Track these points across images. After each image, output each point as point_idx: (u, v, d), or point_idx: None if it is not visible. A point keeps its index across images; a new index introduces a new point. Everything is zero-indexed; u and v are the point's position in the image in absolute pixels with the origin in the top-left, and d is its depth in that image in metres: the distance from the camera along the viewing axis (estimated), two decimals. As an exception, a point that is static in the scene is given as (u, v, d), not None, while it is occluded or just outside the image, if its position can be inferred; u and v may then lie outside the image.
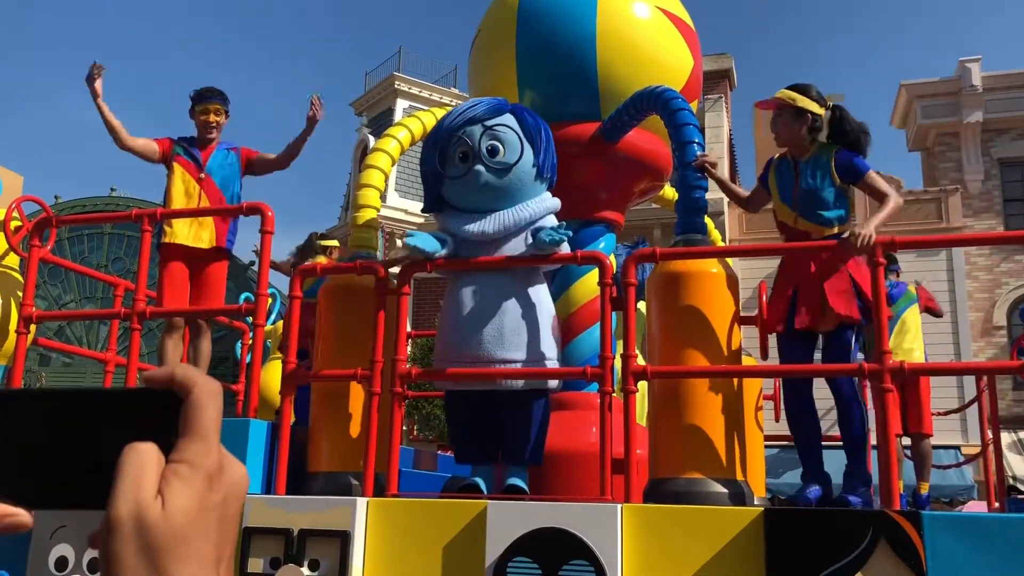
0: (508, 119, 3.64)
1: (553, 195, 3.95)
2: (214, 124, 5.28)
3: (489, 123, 3.59)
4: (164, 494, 0.54)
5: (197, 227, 5.10)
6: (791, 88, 4.22)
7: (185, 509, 0.53)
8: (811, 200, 4.02)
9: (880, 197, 3.99)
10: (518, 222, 3.55)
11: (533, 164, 3.63)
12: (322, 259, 6.45)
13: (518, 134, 3.62)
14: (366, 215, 3.99)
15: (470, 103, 3.73)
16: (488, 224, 3.54)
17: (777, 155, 4.33)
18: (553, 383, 3.64)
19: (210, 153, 5.25)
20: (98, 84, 5.18)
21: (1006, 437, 14.58)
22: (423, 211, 3.87)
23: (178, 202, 5.12)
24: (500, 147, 3.57)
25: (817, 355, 4.16)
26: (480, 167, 3.53)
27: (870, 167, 4.05)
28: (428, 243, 3.51)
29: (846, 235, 3.65)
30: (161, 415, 0.57)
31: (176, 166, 5.19)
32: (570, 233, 3.54)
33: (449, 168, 3.62)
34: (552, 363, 3.55)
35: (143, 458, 0.55)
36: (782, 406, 5.93)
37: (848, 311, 3.83)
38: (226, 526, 0.56)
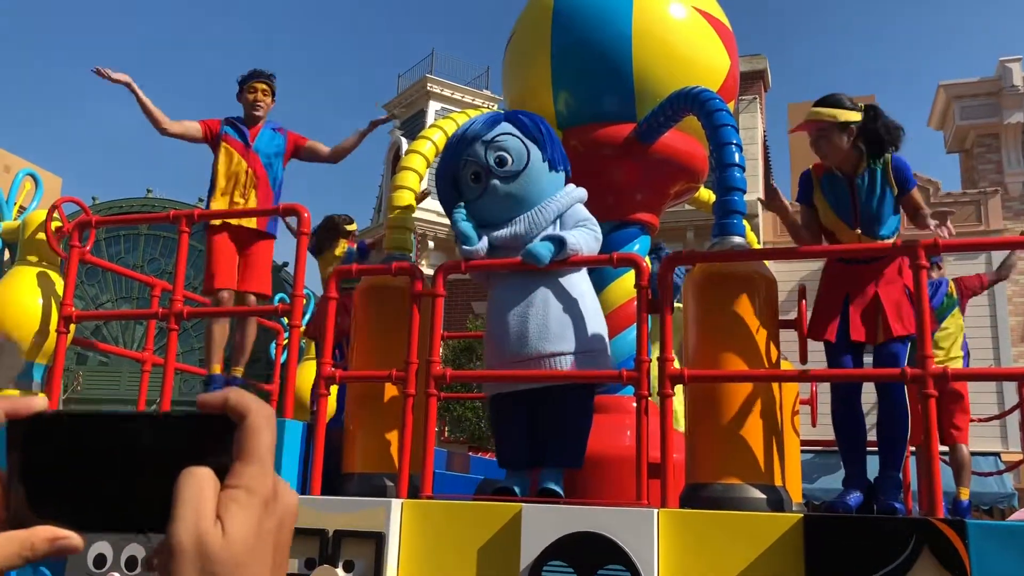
0: (505, 127, 3.71)
1: (588, 196, 3.94)
2: (261, 103, 5.41)
3: (487, 137, 3.66)
4: (223, 520, 0.54)
5: (242, 204, 5.22)
6: (823, 104, 4.08)
7: (244, 536, 0.54)
8: (875, 218, 3.97)
9: (915, 211, 3.98)
10: (548, 218, 3.61)
11: (543, 160, 3.70)
12: (344, 243, 6.44)
13: (519, 138, 3.68)
14: (401, 216, 3.99)
15: (464, 127, 3.79)
16: (519, 226, 3.61)
17: (814, 168, 4.23)
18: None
19: (257, 132, 5.37)
20: (119, 76, 5.27)
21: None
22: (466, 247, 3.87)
23: (223, 179, 5.27)
24: (507, 156, 3.64)
25: (867, 359, 4.11)
26: (495, 181, 3.62)
27: (914, 184, 4.03)
28: (470, 231, 3.57)
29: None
30: (216, 439, 0.57)
31: (224, 145, 5.33)
32: (548, 251, 3.48)
33: (467, 192, 3.70)
34: (603, 353, 3.56)
35: (201, 483, 0.55)
36: (818, 410, 5.87)
37: (906, 329, 3.81)
38: (280, 552, 0.57)
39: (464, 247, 3.55)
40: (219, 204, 5.23)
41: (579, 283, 3.63)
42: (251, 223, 5.25)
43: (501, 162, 3.63)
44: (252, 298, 5.33)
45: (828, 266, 4.13)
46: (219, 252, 5.21)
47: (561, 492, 3.46)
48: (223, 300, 5.18)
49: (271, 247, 5.42)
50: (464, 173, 3.68)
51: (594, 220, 3.68)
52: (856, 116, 4.02)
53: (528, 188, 3.65)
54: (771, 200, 4.33)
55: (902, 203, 4.02)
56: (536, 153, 3.68)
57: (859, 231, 3.97)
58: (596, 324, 3.60)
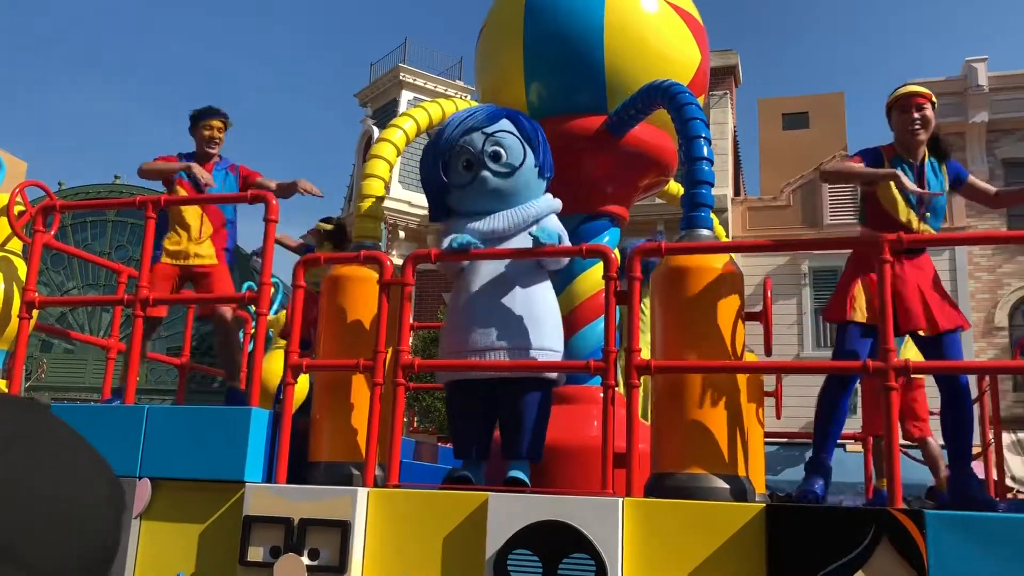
0: (506, 124, 3.77)
1: (558, 188, 3.99)
2: (217, 140, 5.43)
3: (489, 130, 3.73)
4: None
5: (196, 246, 5.22)
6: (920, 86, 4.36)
7: None
8: (938, 207, 4.19)
9: (986, 193, 4.34)
10: (526, 219, 3.70)
11: (535, 165, 3.79)
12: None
13: (518, 138, 3.76)
14: (370, 205, 3.98)
15: (466, 112, 3.84)
16: (498, 222, 3.68)
17: (884, 150, 4.34)
18: (555, 376, 3.66)
19: (209, 171, 5.34)
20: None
21: (1006, 437, 14.54)
22: (430, 221, 3.99)
23: (176, 223, 5.23)
24: (503, 152, 3.71)
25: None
26: (487, 173, 3.68)
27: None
28: (468, 240, 3.61)
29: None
30: None
31: (178, 187, 5.31)
32: (557, 238, 3.61)
33: (454, 177, 3.74)
34: (557, 356, 3.63)
35: None
36: (783, 403, 5.94)
37: (960, 320, 4.04)
38: None
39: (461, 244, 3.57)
40: (172, 246, 5.20)
41: (545, 286, 3.72)
42: (211, 260, 5.24)
43: (496, 156, 3.69)
44: (228, 313, 5.34)
45: (864, 255, 4.16)
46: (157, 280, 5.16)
47: (527, 481, 3.49)
48: (228, 319, 5.28)
49: (226, 273, 5.40)
50: (457, 159, 3.73)
51: (565, 234, 3.76)
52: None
53: (517, 187, 3.73)
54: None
55: (966, 192, 4.34)
56: (531, 157, 3.77)
57: (921, 218, 4.15)
58: (558, 326, 3.70)
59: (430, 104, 4.41)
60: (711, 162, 3.69)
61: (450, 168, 3.74)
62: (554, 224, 3.76)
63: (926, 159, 4.26)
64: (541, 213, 3.75)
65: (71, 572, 0.59)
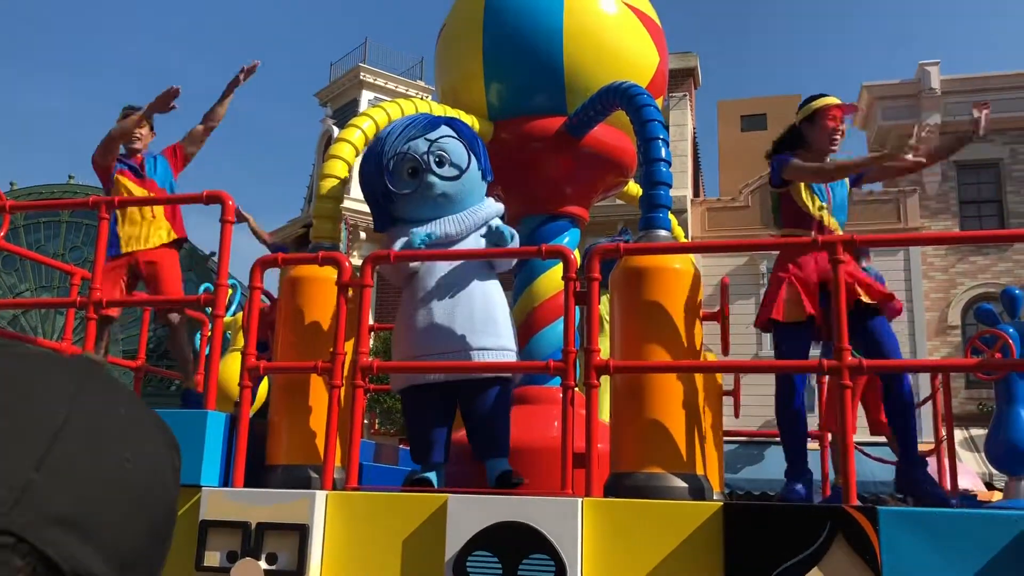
0: (446, 130, 3.81)
1: (518, 189, 4.02)
2: (137, 136, 5.48)
3: (431, 136, 3.75)
4: None
5: (149, 227, 5.33)
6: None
7: None
8: (843, 203, 4.41)
9: (880, 168, 4.49)
10: (476, 223, 3.75)
11: (478, 168, 3.84)
12: None
13: (460, 143, 3.80)
14: (328, 206, 3.95)
15: (406, 121, 3.86)
16: (450, 226, 3.71)
17: (795, 154, 4.48)
18: (515, 376, 3.72)
19: (141, 161, 5.52)
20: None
21: (958, 434, 14.84)
22: (376, 230, 4.00)
23: (123, 211, 5.32)
24: (447, 156, 3.74)
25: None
26: (433, 178, 3.71)
27: None
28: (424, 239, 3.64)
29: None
30: None
31: (119, 178, 5.42)
32: (511, 237, 3.70)
33: (399, 185, 3.74)
34: (512, 354, 3.68)
35: None
36: (741, 402, 6.00)
37: (883, 292, 4.16)
38: None
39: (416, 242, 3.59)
40: (126, 232, 5.31)
41: (497, 288, 3.77)
42: (165, 238, 5.35)
43: (441, 161, 3.72)
44: (173, 320, 5.44)
45: (786, 254, 4.35)
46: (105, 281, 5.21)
47: (516, 472, 3.53)
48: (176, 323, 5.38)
49: (172, 258, 5.47)
50: (401, 166, 3.73)
51: (515, 235, 3.78)
52: None
53: (462, 191, 3.77)
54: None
55: (868, 177, 4.56)
56: (475, 161, 3.80)
57: (830, 212, 4.35)
58: (509, 325, 3.75)
59: (389, 104, 4.39)
60: (669, 163, 3.72)
61: (395, 176, 3.74)
62: (504, 225, 3.81)
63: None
64: (489, 216, 3.79)
65: (140, 542, 0.56)
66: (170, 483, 0.61)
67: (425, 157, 3.70)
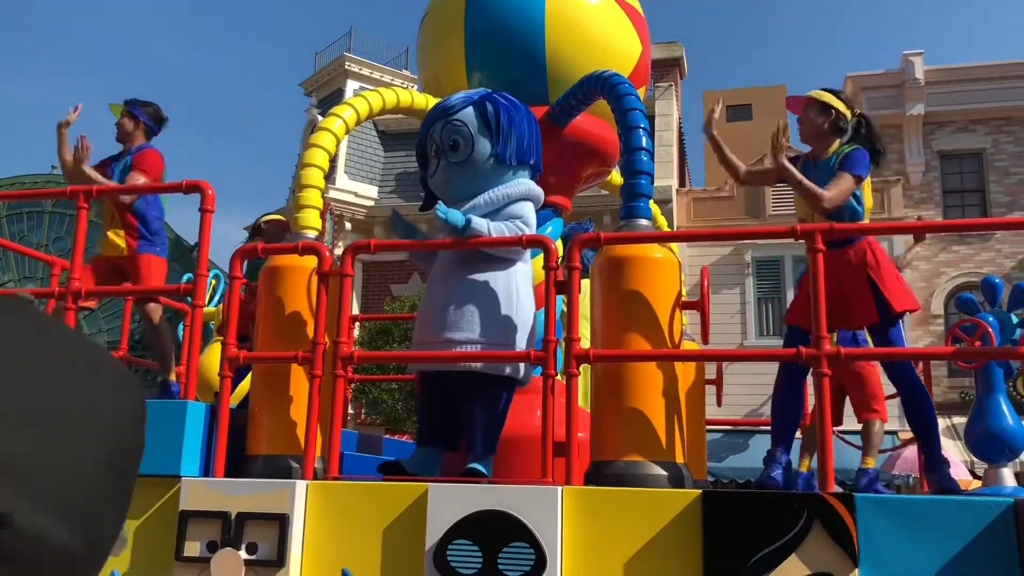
0: (466, 112, 3.69)
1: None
2: (119, 128, 5.44)
3: (451, 118, 3.70)
4: None
5: (114, 237, 5.32)
6: (823, 89, 4.40)
7: None
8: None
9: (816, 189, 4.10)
10: (482, 210, 3.60)
11: (490, 154, 3.67)
12: None
13: (470, 128, 3.66)
14: (309, 195, 3.94)
15: (441, 102, 3.82)
16: (440, 211, 3.60)
17: (805, 153, 4.46)
18: (518, 373, 3.59)
19: (121, 158, 5.46)
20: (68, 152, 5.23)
21: (941, 423, 14.97)
22: (421, 210, 3.99)
23: (104, 213, 5.40)
24: (460, 140, 3.69)
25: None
26: (444, 162, 3.72)
27: (853, 171, 4.08)
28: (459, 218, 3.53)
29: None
30: None
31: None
32: (458, 218, 3.49)
33: (426, 166, 3.85)
34: (510, 349, 3.53)
35: None
36: (724, 390, 6.02)
37: (865, 320, 4.07)
38: None
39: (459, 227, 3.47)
40: (100, 236, 5.33)
41: (508, 281, 3.60)
42: (123, 250, 5.30)
43: (455, 145, 3.68)
44: (150, 315, 5.42)
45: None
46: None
47: (484, 472, 3.47)
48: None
49: (158, 261, 5.40)
50: (429, 146, 3.81)
51: (528, 220, 3.65)
52: (843, 107, 4.31)
53: (471, 176, 3.67)
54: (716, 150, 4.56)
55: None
56: (485, 146, 3.66)
57: (814, 212, 4.14)
58: (514, 322, 3.57)
59: (371, 93, 4.37)
60: (650, 152, 3.72)
61: (427, 155, 3.84)
62: (516, 212, 3.63)
63: (826, 156, 4.28)
64: (495, 203, 3.63)
65: (74, 483, 0.53)
66: (115, 421, 0.57)
67: (441, 140, 3.72)
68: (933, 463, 4.02)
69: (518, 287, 3.64)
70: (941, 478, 3.94)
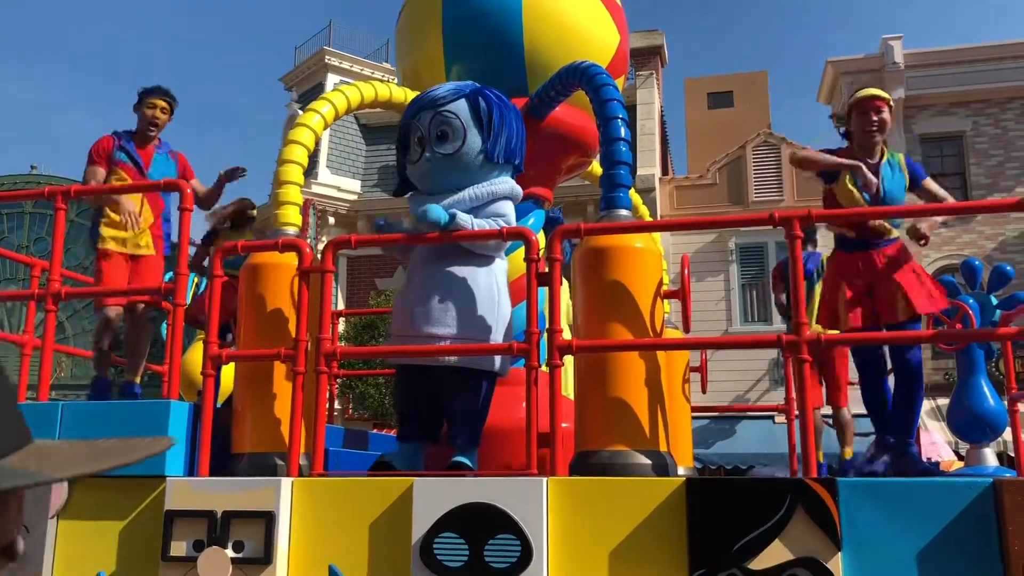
0: (458, 105, 3.68)
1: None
2: (158, 121, 5.28)
3: (440, 108, 3.66)
4: None
5: (135, 235, 5.15)
6: (880, 91, 4.50)
7: None
8: (892, 202, 4.31)
9: (934, 197, 4.42)
10: (465, 205, 3.60)
11: (480, 150, 3.66)
12: (249, 232, 6.31)
13: (462, 121, 3.64)
14: (288, 192, 3.92)
15: (430, 90, 3.80)
16: (424, 205, 3.59)
17: (843, 150, 4.50)
18: (494, 365, 3.59)
19: (151, 156, 5.24)
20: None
21: (925, 404, 15.08)
22: (394, 195, 4.00)
23: (116, 208, 5.08)
24: (449, 131, 3.65)
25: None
26: (428, 152, 3.66)
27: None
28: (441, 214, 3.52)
29: (907, 227, 4.25)
30: None
31: (117, 171, 5.18)
32: (439, 215, 3.50)
33: (410, 153, 3.75)
34: (463, 342, 3.53)
35: None
36: (708, 377, 6.06)
37: (930, 307, 4.21)
38: None
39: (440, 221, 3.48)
40: (109, 232, 5.12)
41: (485, 277, 3.61)
42: (148, 250, 5.20)
43: (442, 136, 3.64)
44: (140, 307, 5.31)
45: (834, 256, 4.42)
46: (108, 275, 5.08)
47: (470, 465, 3.48)
48: (111, 318, 5.12)
49: (159, 264, 5.34)
50: (412, 134, 3.73)
51: (510, 220, 3.67)
52: None
53: (456, 169, 3.65)
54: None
55: (922, 192, 4.47)
56: (475, 140, 3.65)
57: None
58: (495, 317, 3.58)
59: (349, 87, 4.35)
60: (628, 143, 3.72)
61: (408, 143, 3.77)
62: (499, 211, 3.65)
63: (883, 159, 4.42)
64: (481, 199, 3.63)
65: None
66: None
67: (429, 129, 3.67)
68: (906, 444, 4.16)
69: (498, 283, 3.66)
70: (914, 460, 4.09)
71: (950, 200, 4.52)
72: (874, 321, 4.21)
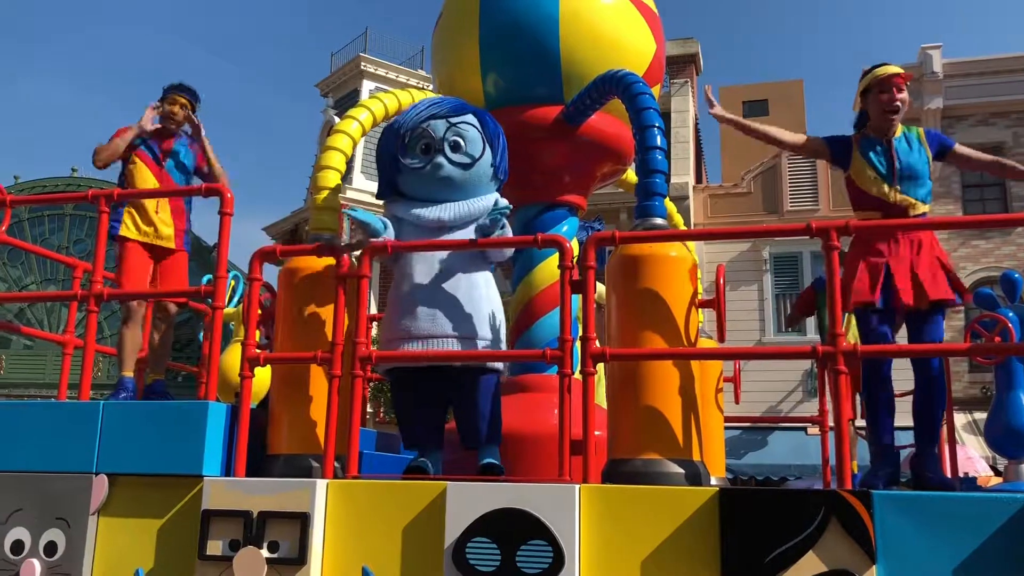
0: (470, 118, 3.78)
1: (516, 178, 4.02)
2: (175, 116, 5.31)
3: (453, 120, 3.73)
4: None
5: (156, 224, 5.15)
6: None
7: None
8: (913, 175, 4.21)
9: (978, 161, 4.40)
10: (472, 214, 3.69)
11: (491, 164, 3.79)
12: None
13: (480, 132, 3.76)
14: (326, 197, 3.97)
15: (434, 100, 3.85)
16: (444, 212, 3.68)
17: (855, 135, 4.41)
18: (499, 365, 3.75)
19: (170, 147, 5.29)
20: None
21: (961, 418, 14.88)
22: (377, 197, 3.97)
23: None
24: (462, 142, 3.71)
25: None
26: (442, 159, 3.68)
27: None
28: (369, 218, 3.59)
29: None
30: None
31: (136, 158, 5.22)
32: (509, 207, 3.69)
33: (409, 158, 3.73)
34: (502, 346, 3.73)
35: None
36: (741, 388, 6.02)
37: (947, 293, 4.05)
38: None
39: (372, 229, 3.58)
40: (129, 219, 5.13)
41: (485, 279, 3.74)
42: (169, 243, 5.20)
43: (456, 146, 3.70)
44: (173, 307, 5.32)
45: (858, 237, 4.25)
46: (130, 263, 5.10)
47: (501, 467, 3.54)
48: (133, 309, 5.13)
49: (185, 262, 5.34)
50: (416, 141, 3.73)
51: (507, 233, 3.76)
52: None
53: (467, 180, 3.72)
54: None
55: (955, 159, 4.40)
56: (488, 155, 3.77)
57: (898, 188, 4.18)
58: (497, 317, 3.73)
59: (386, 95, 4.40)
60: (664, 151, 3.73)
61: (407, 149, 3.74)
62: (504, 222, 3.74)
63: (897, 133, 4.30)
64: (488, 210, 3.72)
65: None
66: None
67: (442, 138, 3.69)
68: (930, 456, 4.06)
69: (495, 289, 3.81)
70: (936, 473, 3.99)
71: (987, 157, 4.44)
72: (889, 304, 4.09)
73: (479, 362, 3.60)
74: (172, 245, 5.21)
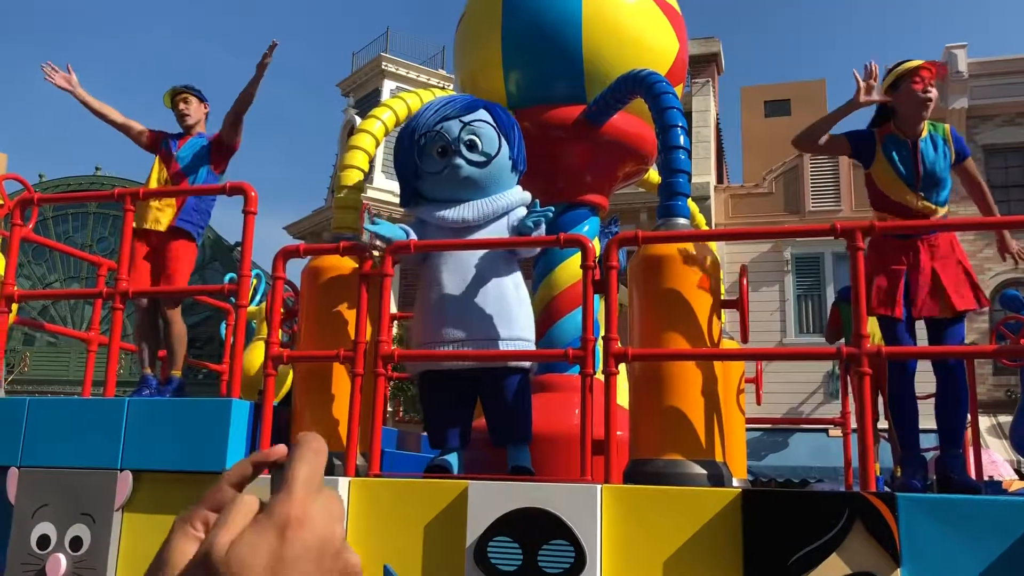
0: (483, 115, 3.78)
1: (537, 178, 4.02)
2: (185, 113, 5.47)
3: (466, 119, 3.73)
4: (234, 541, 0.56)
5: (157, 211, 5.27)
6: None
7: (243, 554, 0.55)
8: (935, 180, 4.12)
9: (976, 183, 4.30)
10: (496, 210, 3.71)
11: (509, 157, 3.80)
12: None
13: (495, 128, 3.76)
14: (348, 196, 3.99)
15: (444, 100, 3.86)
16: (468, 211, 3.68)
17: (879, 130, 4.31)
18: (528, 364, 3.74)
19: (185, 141, 5.46)
20: (61, 81, 5.40)
21: (985, 421, 14.72)
22: (400, 206, 4.00)
23: (150, 188, 5.29)
24: (478, 141, 3.71)
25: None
26: (460, 160, 3.68)
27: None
28: (392, 231, 3.61)
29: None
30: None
31: (157, 158, 5.46)
32: (552, 211, 3.69)
33: (427, 163, 3.74)
34: (529, 345, 3.71)
35: (238, 506, 0.59)
36: (763, 389, 5.99)
37: (971, 304, 4.01)
38: None
39: (385, 237, 3.58)
40: (140, 211, 5.25)
41: (514, 278, 3.73)
42: (161, 226, 5.25)
43: (472, 145, 3.70)
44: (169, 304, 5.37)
45: (877, 242, 4.17)
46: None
47: (532, 470, 3.55)
48: (141, 305, 5.22)
49: (185, 247, 5.34)
50: (431, 145, 3.73)
51: (540, 224, 3.74)
52: None
53: (488, 177, 3.73)
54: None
55: (959, 171, 4.27)
56: (506, 148, 3.78)
57: (921, 195, 4.08)
58: (529, 315, 3.74)
59: (409, 94, 4.41)
60: (687, 151, 3.72)
61: (424, 154, 3.74)
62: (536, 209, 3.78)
63: (923, 134, 4.22)
64: (511, 205, 3.74)
65: None
66: None
67: (456, 139, 3.69)
68: (954, 458, 4.02)
69: (524, 286, 3.81)
70: (962, 476, 3.95)
71: (984, 186, 4.33)
72: (908, 314, 4.04)
73: (504, 362, 3.60)
74: (162, 228, 5.27)
